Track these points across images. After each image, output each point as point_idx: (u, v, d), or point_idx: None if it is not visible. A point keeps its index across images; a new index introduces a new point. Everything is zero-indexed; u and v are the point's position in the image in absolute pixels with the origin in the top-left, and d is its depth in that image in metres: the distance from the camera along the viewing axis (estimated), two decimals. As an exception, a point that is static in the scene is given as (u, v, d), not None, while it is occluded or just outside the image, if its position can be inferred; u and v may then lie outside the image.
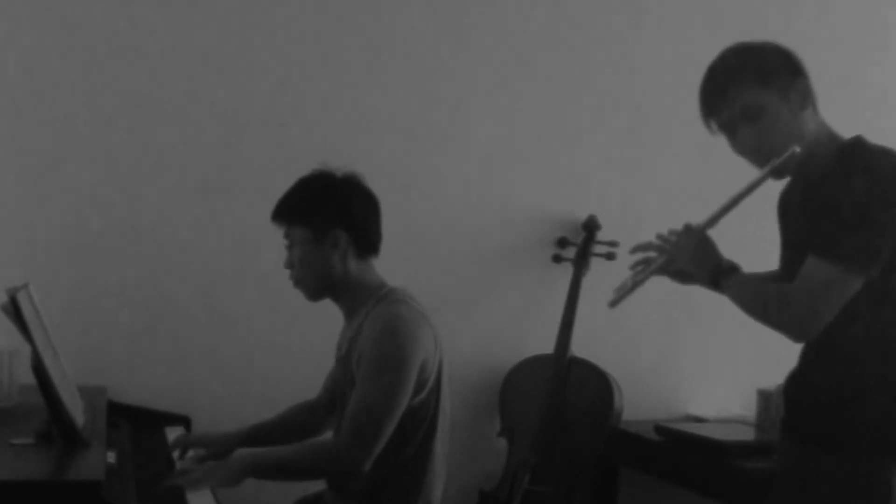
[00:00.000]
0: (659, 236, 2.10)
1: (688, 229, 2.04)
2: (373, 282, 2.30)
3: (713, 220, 2.02)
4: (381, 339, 2.15)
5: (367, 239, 2.31)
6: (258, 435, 2.48)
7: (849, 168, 1.88)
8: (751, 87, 1.93)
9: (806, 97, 1.95)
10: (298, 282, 2.31)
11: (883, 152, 1.90)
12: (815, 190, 1.93)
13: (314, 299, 2.34)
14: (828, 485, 1.90)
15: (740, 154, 2.00)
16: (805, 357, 2.01)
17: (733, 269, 2.00)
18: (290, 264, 2.31)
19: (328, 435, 2.47)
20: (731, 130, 1.98)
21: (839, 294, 1.84)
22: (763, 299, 1.94)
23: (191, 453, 2.40)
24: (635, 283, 2.13)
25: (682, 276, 2.12)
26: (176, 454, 2.39)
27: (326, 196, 2.28)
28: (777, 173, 1.96)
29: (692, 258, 2.02)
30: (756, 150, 1.95)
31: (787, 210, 2.08)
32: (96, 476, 1.70)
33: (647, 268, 2.11)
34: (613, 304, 2.17)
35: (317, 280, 2.28)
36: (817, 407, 1.95)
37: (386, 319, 2.18)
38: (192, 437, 2.50)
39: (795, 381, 2.03)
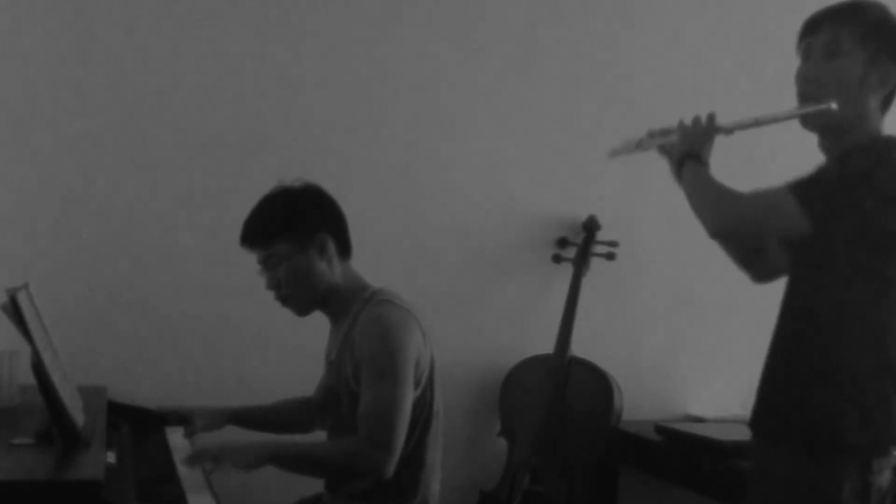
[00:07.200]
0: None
1: (711, 118, 2.03)
2: (357, 284, 2.30)
3: (734, 128, 2.00)
4: (375, 343, 2.15)
5: (345, 240, 2.31)
6: (247, 417, 2.50)
7: (863, 148, 1.86)
8: (848, 33, 1.90)
9: (885, 83, 1.91)
10: (288, 298, 2.28)
11: None
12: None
13: (305, 313, 2.32)
14: (777, 482, 1.90)
15: (796, 81, 1.97)
16: (773, 352, 1.99)
17: (705, 163, 2.00)
18: (274, 285, 2.28)
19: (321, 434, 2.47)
20: (806, 56, 1.96)
21: (775, 213, 1.85)
22: (709, 188, 1.94)
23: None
24: (639, 144, 2.14)
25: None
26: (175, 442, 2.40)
27: (300, 205, 2.27)
28: (807, 122, 1.94)
29: (689, 135, 2.03)
30: (807, 81, 1.93)
31: None
32: (96, 476, 1.69)
33: (659, 137, 2.12)
34: (612, 154, 2.14)
35: (309, 290, 2.26)
36: (778, 399, 1.94)
37: (374, 322, 2.17)
38: (181, 410, 2.50)
39: (763, 373, 2.01)
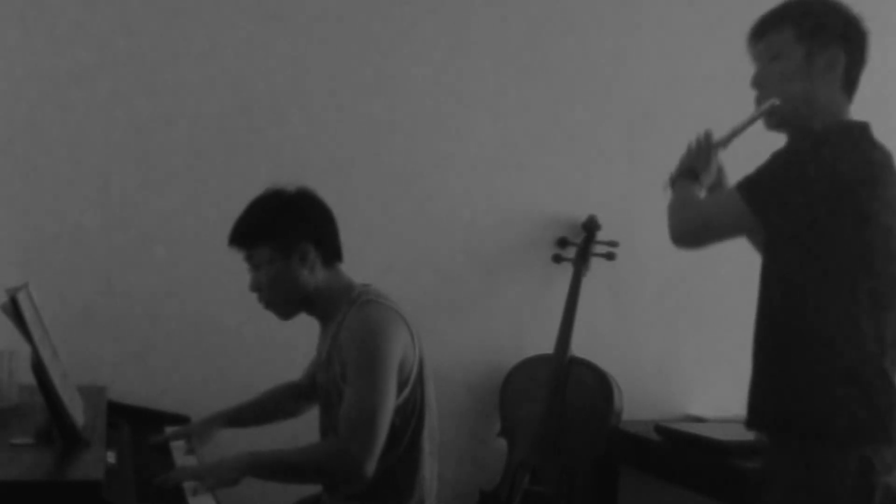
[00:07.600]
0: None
1: (708, 136, 2.13)
2: (343, 286, 2.29)
3: (727, 140, 2.10)
4: (358, 344, 2.15)
5: (332, 247, 2.31)
6: (239, 416, 2.53)
7: (811, 136, 1.91)
8: (782, 33, 1.99)
9: (832, 68, 1.95)
10: (269, 303, 2.30)
11: (857, 140, 1.90)
12: None
13: (287, 317, 2.33)
14: (774, 473, 1.93)
15: (752, 86, 2.06)
16: (761, 347, 2.05)
17: (696, 178, 2.10)
18: (256, 287, 2.29)
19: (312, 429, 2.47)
20: (756, 62, 2.05)
21: (724, 216, 1.96)
22: (680, 200, 2.06)
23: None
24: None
25: None
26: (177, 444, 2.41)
27: (286, 212, 2.26)
28: (767, 123, 2.02)
29: (688, 156, 2.14)
30: (757, 86, 2.04)
31: None
32: (96, 476, 1.69)
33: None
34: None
35: (289, 297, 2.28)
36: (755, 391, 2.04)
37: (359, 323, 2.18)
38: (174, 432, 2.50)
39: (756, 369, 2.07)
